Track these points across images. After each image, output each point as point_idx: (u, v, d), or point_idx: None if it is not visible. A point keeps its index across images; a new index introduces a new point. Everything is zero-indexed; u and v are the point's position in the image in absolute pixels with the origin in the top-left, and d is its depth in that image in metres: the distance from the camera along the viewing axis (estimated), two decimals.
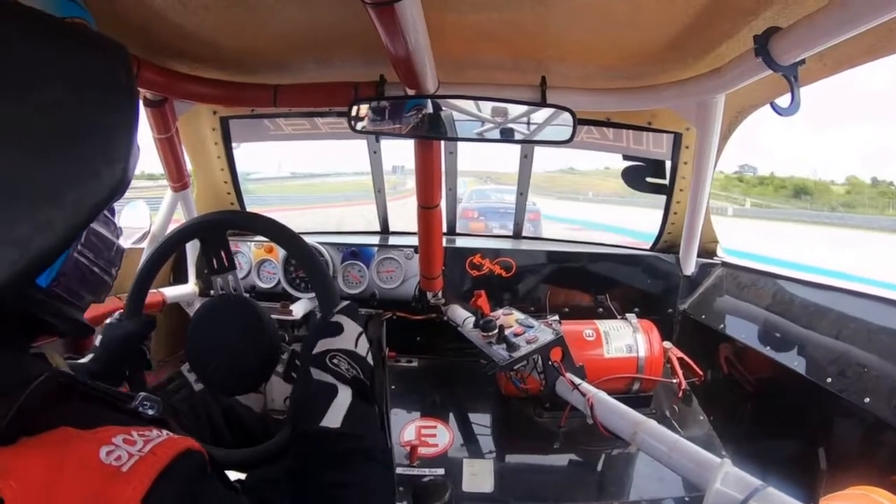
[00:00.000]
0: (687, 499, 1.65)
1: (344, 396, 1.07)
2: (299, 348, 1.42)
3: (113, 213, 0.85)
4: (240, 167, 2.78)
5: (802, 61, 1.30)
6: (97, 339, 1.41)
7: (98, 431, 0.61)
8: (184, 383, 1.48)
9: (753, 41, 1.33)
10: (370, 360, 1.21)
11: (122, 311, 1.46)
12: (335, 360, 1.14)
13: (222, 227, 1.48)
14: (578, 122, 1.69)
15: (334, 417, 1.02)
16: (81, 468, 0.57)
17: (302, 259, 1.41)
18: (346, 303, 1.33)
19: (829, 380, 1.53)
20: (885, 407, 1.34)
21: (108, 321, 1.43)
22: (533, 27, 1.55)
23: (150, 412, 0.73)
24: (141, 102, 1.73)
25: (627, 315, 2.22)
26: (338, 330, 1.22)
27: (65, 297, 0.76)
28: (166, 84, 1.86)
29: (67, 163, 0.63)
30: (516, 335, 1.85)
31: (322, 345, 1.18)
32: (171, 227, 2.23)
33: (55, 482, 0.55)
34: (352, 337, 1.22)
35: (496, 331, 1.88)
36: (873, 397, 1.38)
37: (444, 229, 2.67)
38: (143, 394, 0.74)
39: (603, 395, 1.55)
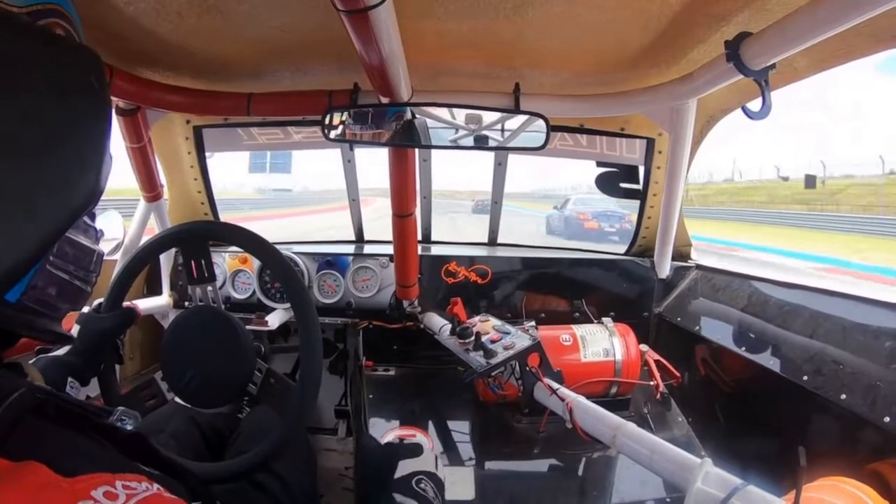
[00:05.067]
0: (668, 500, 1.65)
1: None
2: (271, 365, 1.42)
3: (93, 217, 0.82)
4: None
5: (773, 66, 1.32)
6: (74, 330, 1.38)
7: (78, 481, 0.54)
8: (157, 391, 1.46)
9: (725, 46, 1.35)
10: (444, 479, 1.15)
11: (100, 302, 1.44)
12: (422, 485, 1.10)
13: (206, 236, 1.48)
14: (552, 128, 1.70)
15: None
16: None
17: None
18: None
19: (805, 378, 1.55)
20: (861, 403, 1.36)
21: (84, 310, 1.40)
22: (508, 35, 1.55)
23: (129, 427, 0.70)
24: (113, 111, 1.71)
25: (604, 319, 2.24)
26: (418, 450, 1.18)
27: (37, 310, 0.72)
28: (139, 92, 1.84)
29: (40, 171, 0.61)
30: (493, 342, 1.85)
31: (404, 467, 1.12)
32: (145, 238, 2.20)
33: None
34: (431, 457, 1.17)
35: (473, 338, 1.88)
36: (850, 394, 1.40)
37: (419, 237, 2.67)
38: (121, 408, 0.70)
39: (581, 399, 1.55)
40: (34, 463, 0.53)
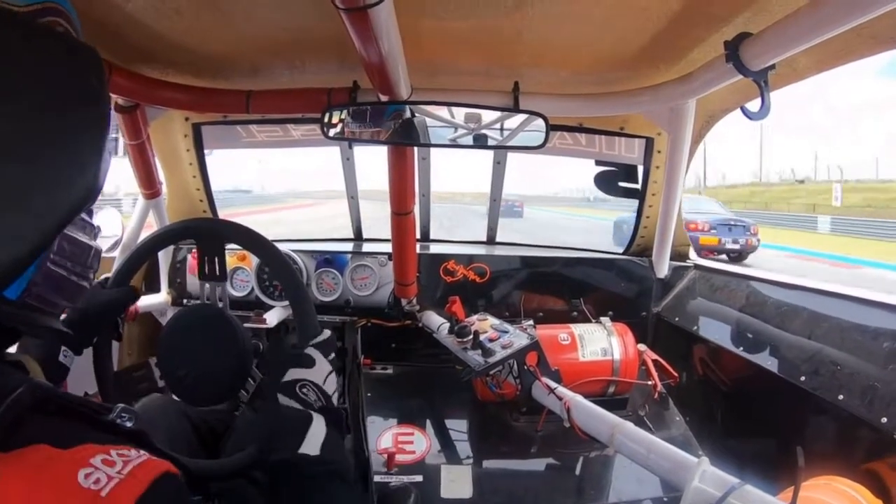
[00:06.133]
0: (665, 499, 1.65)
1: (319, 425, 1.08)
2: (266, 374, 1.42)
3: (91, 214, 0.82)
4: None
5: (773, 66, 1.32)
6: None
7: (76, 451, 0.57)
8: (148, 376, 1.47)
9: (724, 47, 1.35)
10: (335, 400, 1.24)
11: (107, 276, 1.43)
12: (304, 390, 1.18)
13: (223, 237, 1.47)
14: (551, 127, 1.70)
15: (312, 445, 1.04)
16: (60, 492, 0.54)
17: (287, 284, 1.41)
18: (325, 334, 1.34)
19: (803, 378, 1.55)
20: (858, 403, 1.36)
21: None
22: (508, 33, 1.55)
23: (129, 424, 0.69)
24: (112, 108, 1.70)
25: (602, 318, 2.24)
26: (309, 363, 1.23)
27: (37, 307, 0.72)
28: (137, 89, 1.83)
29: (37, 169, 0.61)
30: (491, 340, 1.85)
31: (292, 374, 1.20)
32: (143, 235, 2.20)
33: None
34: (322, 372, 1.24)
35: (471, 336, 1.88)
36: (847, 394, 1.40)
37: (418, 235, 2.67)
38: (121, 405, 0.70)
39: (579, 398, 1.55)
40: (35, 445, 0.55)
